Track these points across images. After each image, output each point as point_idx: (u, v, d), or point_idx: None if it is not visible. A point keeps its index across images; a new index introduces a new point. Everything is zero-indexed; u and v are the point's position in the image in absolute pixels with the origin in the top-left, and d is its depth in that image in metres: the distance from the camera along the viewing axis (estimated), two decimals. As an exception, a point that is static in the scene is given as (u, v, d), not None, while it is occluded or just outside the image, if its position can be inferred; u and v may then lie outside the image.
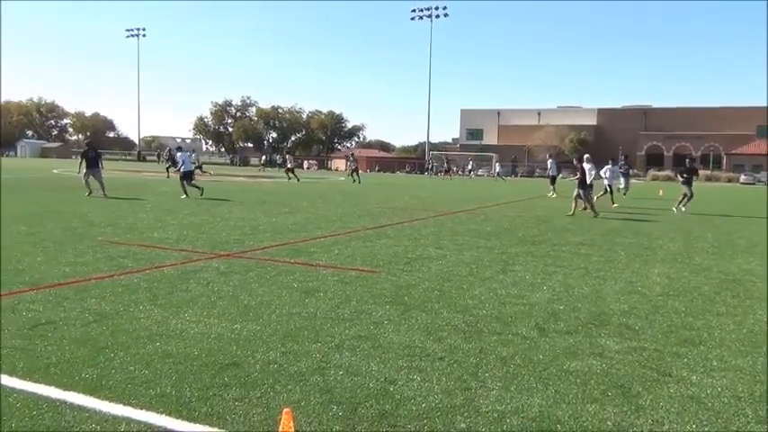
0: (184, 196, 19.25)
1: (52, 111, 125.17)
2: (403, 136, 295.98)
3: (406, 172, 79.51)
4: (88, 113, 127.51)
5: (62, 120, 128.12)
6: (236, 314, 5.54)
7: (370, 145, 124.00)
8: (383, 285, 7.02)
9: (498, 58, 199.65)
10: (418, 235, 11.83)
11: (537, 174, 77.34)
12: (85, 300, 5.84)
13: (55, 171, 40.17)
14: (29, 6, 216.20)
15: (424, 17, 78.89)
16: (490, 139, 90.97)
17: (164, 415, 3.39)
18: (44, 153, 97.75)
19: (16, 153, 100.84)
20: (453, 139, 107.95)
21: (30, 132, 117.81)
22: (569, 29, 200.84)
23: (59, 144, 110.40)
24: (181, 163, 20.71)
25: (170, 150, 41.51)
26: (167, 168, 35.07)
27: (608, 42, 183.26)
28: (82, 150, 20.61)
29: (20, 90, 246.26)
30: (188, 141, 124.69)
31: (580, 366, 4.46)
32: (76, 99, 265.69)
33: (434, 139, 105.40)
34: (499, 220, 15.50)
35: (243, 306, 5.84)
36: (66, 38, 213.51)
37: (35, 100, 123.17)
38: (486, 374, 4.22)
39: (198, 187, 19.90)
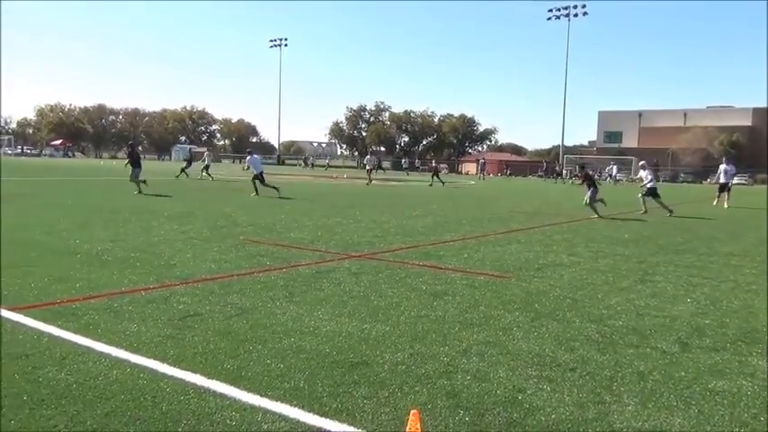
0: (254, 194, 20.90)
1: (203, 117, 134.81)
2: (536, 139, 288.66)
3: (539, 176, 77.52)
4: (234, 120, 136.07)
5: (211, 126, 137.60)
6: (366, 314, 5.67)
7: (501, 148, 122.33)
8: (513, 291, 6.89)
9: (640, 56, 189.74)
10: (550, 241, 11.50)
11: (680, 179, 72.73)
12: (228, 295, 6.22)
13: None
14: (186, 23, 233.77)
15: (562, 17, 76.60)
16: (630, 141, 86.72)
17: (297, 408, 3.53)
18: (194, 157, 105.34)
19: (170, 157, 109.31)
20: (590, 142, 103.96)
21: (183, 138, 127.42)
22: (719, 23, 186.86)
23: (208, 148, 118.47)
24: (251, 164, 22.25)
25: (190, 150, 42.84)
26: (182, 169, 34.38)
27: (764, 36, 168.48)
28: (128, 152, 22.25)
29: (176, 99, 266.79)
30: (323, 145, 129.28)
31: (727, 386, 4.13)
32: (224, 106, 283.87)
33: (569, 142, 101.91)
34: (638, 227, 14.72)
35: (373, 306, 5.96)
36: (216, 50, 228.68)
37: (188, 108, 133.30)
38: (622, 389, 4.02)
39: (275, 188, 21.34)
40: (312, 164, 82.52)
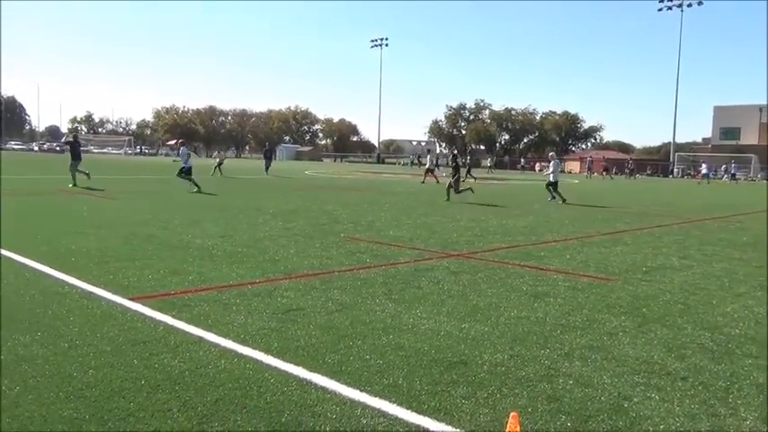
0: (196, 189, 19.93)
1: (306, 117, 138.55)
2: (645, 136, 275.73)
3: (647, 174, 74.11)
4: (335, 119, 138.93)
5: (314, 125, 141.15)
6: (464, 314, 5.63)
7: (607, 146, 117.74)
8: (618, 294, 6.63)
9: (761, 47, 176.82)
10: (659, 243, 10.97)
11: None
12: (329, 290, 6.37)
13: (306, 173, 44.38)
14: (289, 25, 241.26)
15: (674, 7, 72.75)
16: (749, 138, 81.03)
17: (395, 405, 3.57)
18: (298, 156, 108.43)
19: (275, 156, 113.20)
20: (704, 139, 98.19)
21: (287, 137, 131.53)
22: None
23: (311, 148, 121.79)
24: (185, 159, 21.18)
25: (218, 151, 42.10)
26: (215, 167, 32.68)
27: None
28: (70, 142, 22.25)
29: (281, 101, 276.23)
30: (422, 144, 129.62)
31: None
32: (325, 106, 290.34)
33: (681, 139, 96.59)
34: (758, 230, 13.76)
35: (471, 306, 5.92)
36: (319, 51, 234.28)
37: (292, 108, 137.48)
38: (738, 401, 3.78)
39: (196, 184, 20.39)
40: (415, 162, 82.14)
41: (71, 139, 22.69)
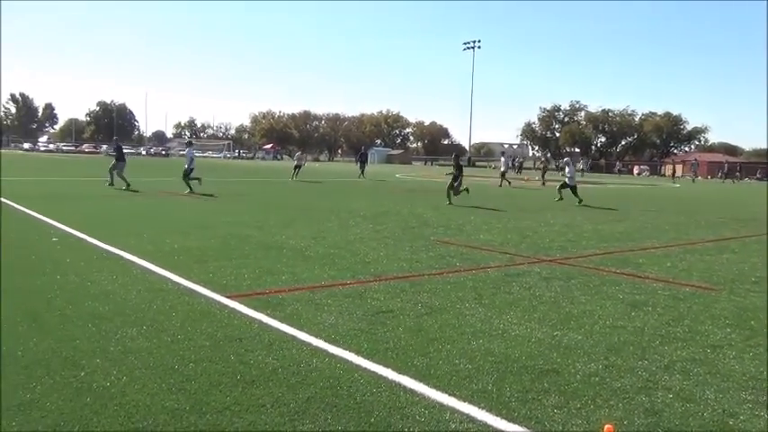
0: (187, 191, 19.47)
1: (397, 121, 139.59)
2: (756, 137, 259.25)
3: (757, 179, 69.60)
4: (426, 122, 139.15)
5: (405, 129, 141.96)
6: (556, 321, 5.49)
7: (712, 148, 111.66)
8: (723, 305, 6.27)
9: None
10: (771, 251, 10.27)
11: None
12: (419, 293, 6.37)
13: (397, 176, 44.70)
14: (381, 29, 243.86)
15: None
16: None
17: (484, 411, 3.52)
18: (389, 159, 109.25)
19: (366, 160, 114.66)
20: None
21: (378, 141, 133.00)
22: None
23: (401, 151, 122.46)
24: (190, 160, 20.58)
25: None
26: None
27: None
28: (114, 146, 22.98)
29: (373, 105, 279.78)
30: (515, 147, 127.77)
31: None
32: (416, 109, 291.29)
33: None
34: None
35: (564, 313, 5.76)
36: (411, 56, 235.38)
37: (384, 112, 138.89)
38: None
39: (188, 186, 19.93)
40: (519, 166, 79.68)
41: (115, 145, 23.92)
